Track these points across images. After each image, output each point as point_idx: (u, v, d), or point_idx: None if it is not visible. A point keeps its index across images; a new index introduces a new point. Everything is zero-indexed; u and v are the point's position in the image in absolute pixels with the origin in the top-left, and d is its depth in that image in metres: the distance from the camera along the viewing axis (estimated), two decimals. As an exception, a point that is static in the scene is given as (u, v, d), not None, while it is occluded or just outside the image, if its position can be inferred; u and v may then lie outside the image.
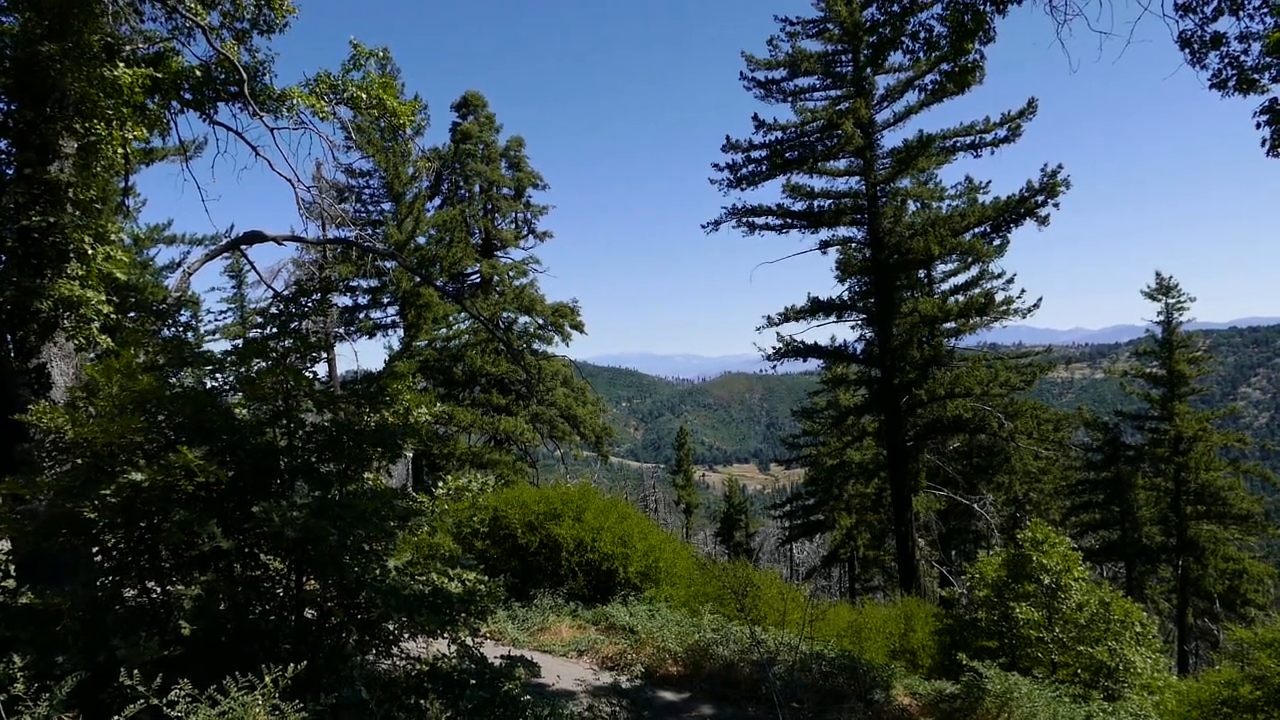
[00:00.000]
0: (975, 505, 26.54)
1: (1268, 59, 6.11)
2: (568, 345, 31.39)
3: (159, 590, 5.19)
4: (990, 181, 23.98)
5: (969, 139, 21.57)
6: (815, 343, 24.72)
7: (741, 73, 22.98)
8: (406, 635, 5.21)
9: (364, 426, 5.32)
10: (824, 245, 23.74)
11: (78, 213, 6.92)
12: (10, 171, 7.05)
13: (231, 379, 5.48)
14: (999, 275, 29.18)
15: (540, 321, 28.07)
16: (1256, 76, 6.22)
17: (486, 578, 5.68)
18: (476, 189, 28.75)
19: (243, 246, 9.38)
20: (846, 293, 24.28)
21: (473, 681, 5.00)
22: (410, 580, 5.25)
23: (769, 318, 24.63)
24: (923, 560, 25.89)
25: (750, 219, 23.72)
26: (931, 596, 22.81)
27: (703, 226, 23.94)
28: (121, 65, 7.00)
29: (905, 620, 13.55)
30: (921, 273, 28.47)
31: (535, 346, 28.30)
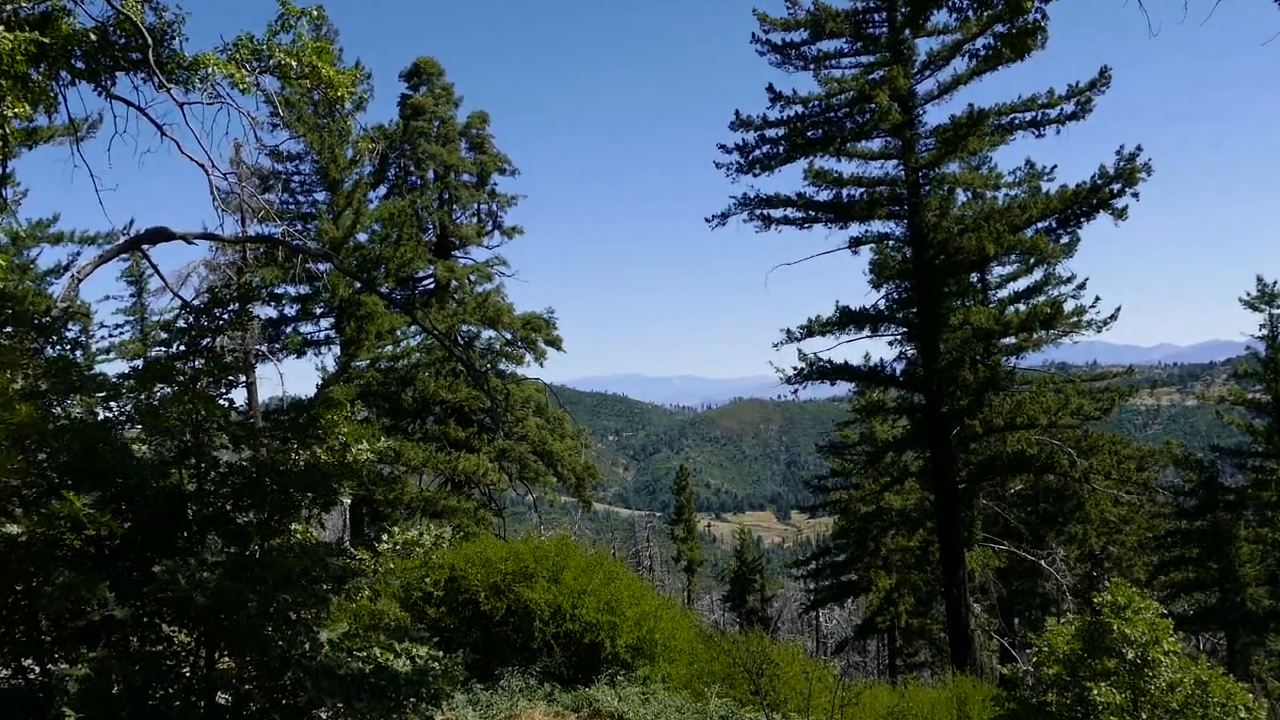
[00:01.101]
0: (1042, 562, 26.59)
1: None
2: (542, 365, 31.49)
3: (38, 669, 5.16)
4: (1055, 167, 24.20)
5: (1029, 115, 21.82)
6: (845, 362, 24.82)
7: (754, 34, 23.22)
8: (343, 725, 5.18)
9: (291, 466, 5.32)
10: (855, 243, 23.90)
11: (-59, 205, 6.93)
12: None
13: (129, 408, 5.47)
14: (1067, 280, 29.44)
15: (508, 336, 28.16)
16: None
17: (441, 653, 5.67)
18: (430, 175, 28.90)
19: (144, 246, 9.41)
20: (883, 301, 24.43)
21: (424, 782, 4.97)
22: (347, 657, 5.24)
23: (789, 332, 24.83)
24: (979, 630, 25.89)
25: (765, 210, 23.89)
26: (990, 675, 22.76)
27: (707, 220, 24.13)
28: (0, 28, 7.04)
29: (958, 704, 13.54)
30: (974, 277, 28.70)
31: (502, 367, 28.36)
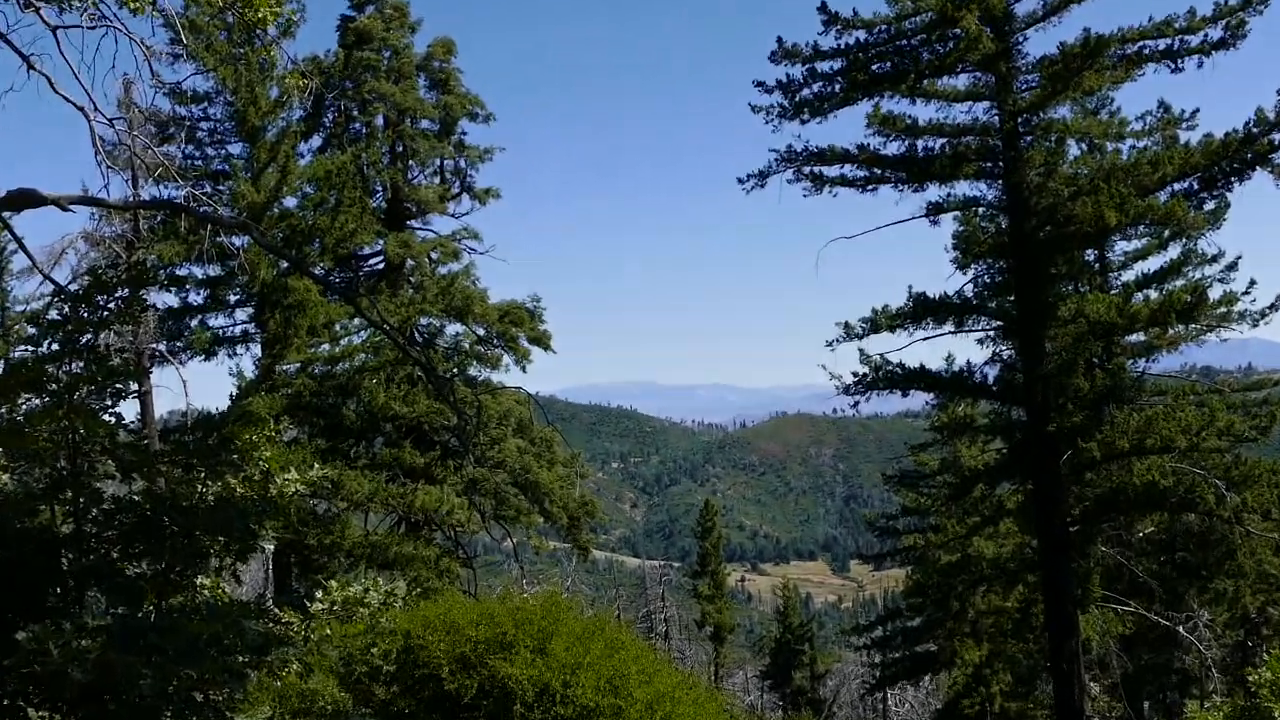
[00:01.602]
0: (1180, 628, 26.48)
1: None
2: (525, 370, 31.54)
3: None
4: (1197, 111, 24.15)
5: (1163, 43, 21.75)
6: (921, 366, 24.77)
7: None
8: (264, 840, 5.16)
9: (197, 502, 5.30)
10: (934, 210, 23.88)
11: None
12: None
13: (-15, 426, 5.43)
14: (1213, 258, 29.38)
15: (480, 331, 28.24)
16: None
17: (393, 746, 5.64)
18: (379, 121, 28.96)
19: (5, 214, 9.41)
20: (970, 287, 24.40)
21: None
22: (270, 751, 5.21)
23: (847, 327, 24.88)
24: (1097, 717, 25.81)
25: (816, 168, 23.90)
26: (1111, 776, 22.69)
27: (741, 182, 24.15)
28: None
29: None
30: (1090, 254, 28.64)
31: (473, 372, 28.47)
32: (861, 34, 23.01)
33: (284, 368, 25.48)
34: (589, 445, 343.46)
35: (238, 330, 26.55)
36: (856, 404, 25.65)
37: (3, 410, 5.44)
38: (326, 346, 26.93)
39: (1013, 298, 23.81)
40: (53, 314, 5.93)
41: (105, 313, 5.75)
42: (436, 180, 29.71)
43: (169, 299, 26.59)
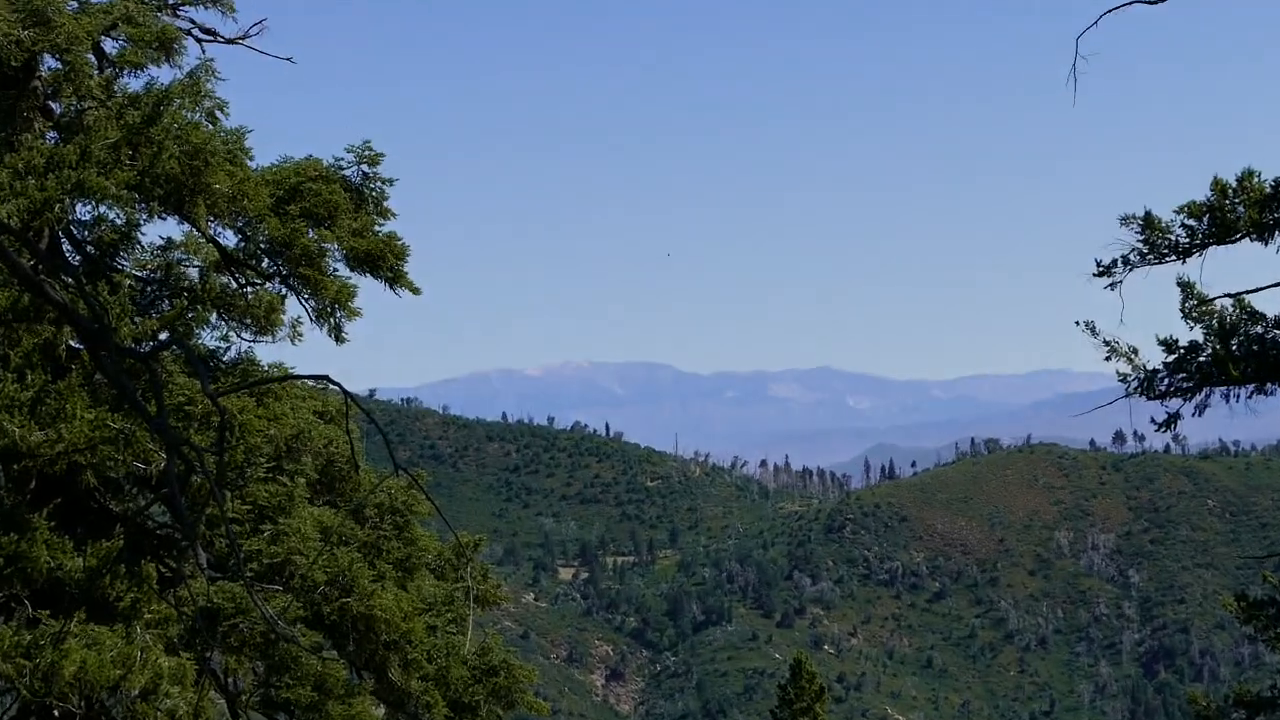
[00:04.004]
0: None
1: None
2: (341, 337, 13.55)
3: None
4: None
5: None
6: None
7: None
8: None
9: None
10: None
11: None
12: None
13: None
14: None
15: (234, 240, 12.15)
16: None
17: None
18: None
19: None
20: None
21: None
22: None
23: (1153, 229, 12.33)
24: None
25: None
26: None
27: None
28: None
29: None
30: None
31: (211, 339, 12.87)
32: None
33: None
34: (503, 508, 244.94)
35: None
36: (1170, 425, 12.55)
37: None
38: None
39: None
40: None
41: None
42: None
43: None
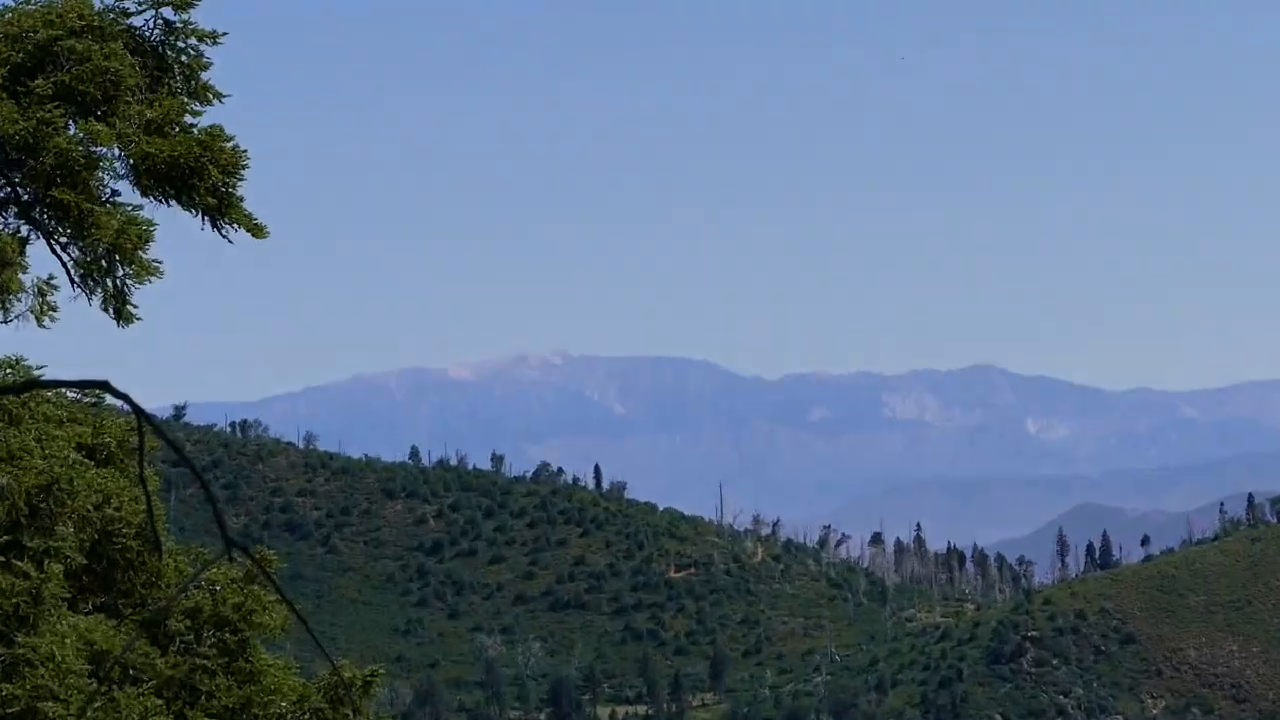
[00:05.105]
0: None
1: None
2: (126, 316, 8.90)
3: None
4: None
5: None
6: None
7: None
8: None
9: None
10: None
11: None
12: None
13: None
14: None
15: None
16: None
17: None
18: None
19: None
20: None
21: None
22: None
23: None
24: None
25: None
26: None
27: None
28: None
29: None
30: None
31: None
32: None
33: None
34: (413, 617, 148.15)
35: None
36: None
37: None
38: None
39: None
40: None
41: None
42: None
43: None
